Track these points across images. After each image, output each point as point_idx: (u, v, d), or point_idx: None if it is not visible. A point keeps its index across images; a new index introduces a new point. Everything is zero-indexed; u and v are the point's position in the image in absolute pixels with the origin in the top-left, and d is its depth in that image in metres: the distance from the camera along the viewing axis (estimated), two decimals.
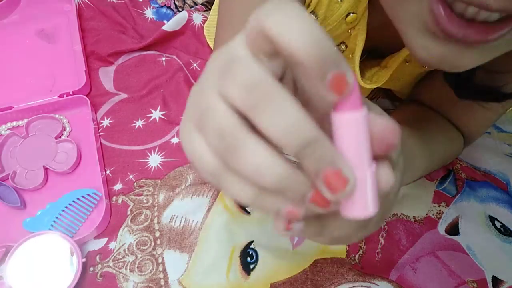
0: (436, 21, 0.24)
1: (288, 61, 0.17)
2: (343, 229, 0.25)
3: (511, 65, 0.38)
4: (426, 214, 0.51)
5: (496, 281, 0.47)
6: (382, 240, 0.49)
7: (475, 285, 0.47)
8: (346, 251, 0.48)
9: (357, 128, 0.18)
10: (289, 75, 0.20)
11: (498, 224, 0.51)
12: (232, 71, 0.17)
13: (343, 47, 0.44)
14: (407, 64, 0.46)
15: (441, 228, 0.50)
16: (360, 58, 0.42)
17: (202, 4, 0.68)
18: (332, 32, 0.42)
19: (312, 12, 0.40)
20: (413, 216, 0.51)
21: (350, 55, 0.44)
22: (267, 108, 0.16)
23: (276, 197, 0.18)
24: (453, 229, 0.51)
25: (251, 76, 0.16)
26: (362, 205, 0.19)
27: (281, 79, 0.19)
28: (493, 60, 0.26)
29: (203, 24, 0.64)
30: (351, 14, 0.39)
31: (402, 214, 0.51)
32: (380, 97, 0.60)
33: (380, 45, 0.44)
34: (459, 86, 0.40)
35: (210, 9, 0.67)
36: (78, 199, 0.48)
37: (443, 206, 0.52)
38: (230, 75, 0.17)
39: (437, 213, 0.51)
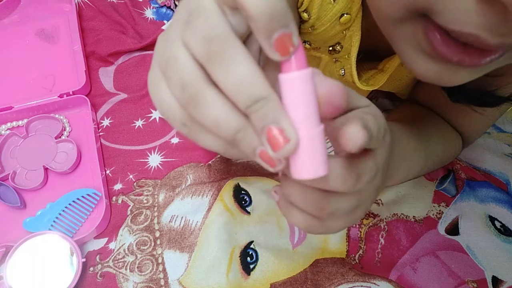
0: (431, 46, 0.24)
1: (244, 16, 0.17)
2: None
3: (502, 69, 0.38)
4: (426, 214, 0.51)
5: (496, 281, 0.47)
6: (382, 240, 0.49)
7: (475, 285, 0.47)
8: (346, 251, 0.48)
9: (302, 88, 0.18)
10: None
11: (498, 224, 0.51)
12: (194, 21, 0.17)
13: (338, 47, 0.44)
14: (404, 66, 0.46)
15: (441, 228, 0.50)
16: (357, 58, 0.42)
17: None
18: (327, 33, 0.42)
19: (305, 11, 0.40)
20: (413, 216, 0.51)
21: (346, 56, 0.44)
22: (221, 62, 0.17)
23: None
24: (453, 229, 0.51)
25: (210, 28, 0.17)
26: (310, 166, 0.19)
27: (249, 35, 0.20)
28: None
29: None
30: (345, 15, 0.39)
31: (402, 214, 0.51)
32: (380, 97, 0.60)
33: (376, 47, 0.44)
34: (452, 90, 0.40)
35: None
36: (78, 199, 0.48)
37: (443, 206, 0.52)
38: (192, 25, 0.17)
39: (437, 213, 0.51)
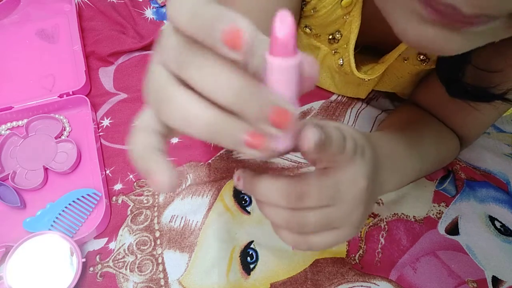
0: (424, 2, 0.24)
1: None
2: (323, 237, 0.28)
3: (500, 64, 0.38)
4: (426, 214, 0.51)
5: (496, 281, 0.47)
6: (382, 240, 0.49)
7: (475, 285, 0.47)
8: (346, 251, 0.48)
9: (290, 74, 0.19)
10: None
11: (498, 224, 0.51)
12: (163, 41, 0.19)
13: (338, 35, 0.44)
14: (405, 62, 0.46)
15: (441, 228, 0.50)
16: (356, 50, 0.43)
17: None
18: (328, 16, 0.42)
19: None
20: (413, 216, 0.51)
21: (345, 45, 0.44)
22: (194, 65, 0.17)
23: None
24: (453, 229, 0.51)
25: (176, 40, 0.18)
26: (283, 139, 0.21)
27: None
28: (483, 57, 0.26)
29: None
30: None
31: (402, 213, 0.51)
32: (380, 97, 0.60)
33: (376, 42, 0.44)
34: (451, 83, 0.40)
35: None
36: (78, 199, 0.48)
37: (443, 206, 0.52)
38: (162, 44, 0.19)
39: (437, 213, 0.51)
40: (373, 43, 0.45)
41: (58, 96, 0.55)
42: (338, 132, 0.26)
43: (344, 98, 0.59)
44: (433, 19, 0.24)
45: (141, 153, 0.20)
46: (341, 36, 0.44)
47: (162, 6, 0.68)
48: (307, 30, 0.46)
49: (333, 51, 0.47)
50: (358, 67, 0.44)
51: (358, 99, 0.59)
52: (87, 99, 0.54)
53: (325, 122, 0.26)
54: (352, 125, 0.57)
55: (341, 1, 0.40)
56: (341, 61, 0.47)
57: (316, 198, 0.27)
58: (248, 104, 0.18)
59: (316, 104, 0.58)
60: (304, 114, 0.57)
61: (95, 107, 0.56)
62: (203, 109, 0.18)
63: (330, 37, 0.45)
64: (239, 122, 0.18)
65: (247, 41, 0.16)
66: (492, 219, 0.51)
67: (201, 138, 0.18)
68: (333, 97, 0.59)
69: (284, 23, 0.18)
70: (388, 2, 0.27)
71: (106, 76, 0.60)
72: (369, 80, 0.47)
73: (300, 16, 0.44)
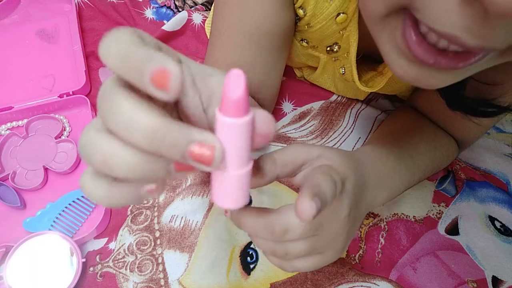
0: (407, 46, 0.24)
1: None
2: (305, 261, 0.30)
3: (499, 77, 0.38)
4: (426, 214, 0.51)
5: (496, 281, 0.47)
6: (382, 240, 0.49)
7: (475, 285, 0.47)
8: (346, 251, 0.48)
9: (239, 133, 0.19)
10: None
11: (498, 224, 0.51)
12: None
13: (336, 47, 0.44)
14: None
15: (441, 228, 0.51)
16: (357, 58, 0.42)
17: (202, 4, 0.68)
18: (323, 31, 0.42)
19: (301, 7, 0.40)
20: (413, 216, 0.51)
21: (345, 54, 0.44)
22: (107, 111, 0.17)
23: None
24: (453, 229, 0.51)
25: (102, 89, 0.18)
26: (232, 198, 0.21)
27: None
28: (483, 71, 0.26)
29: (203, 24, 0.64)
30: (341, 15, 0.39)
31: (402, 213, 0.51)
32: (380, 98, 0.60)
33: (373, 52, 0.44)
34: (451, 98, 0.40)
35: (210, 9, 0.67)
36: (78, 199, 0.48)
37: (442, 206, 0.52)
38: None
39: (437, 213, 0.51)
40: (372, 53, 0.45)
41: (58, 96, 0.55)
42: (331, 184, 0.27)
43: (344, 99, 0.59)
44: (416, 60, 0.24)
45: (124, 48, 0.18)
46: (339, 48, 0.44)
47: (162, 6, 0.68)
48: (304, 43, 0.46)
49: (333, 59, 0.47)
50: (358, 75, 0.44)
51: (358, 99, 0.59)
52: (87, 99, 0.54)
53: (317, 176, 0.27)
54: (352, 125, 0.57)
55: (335, 18, 0.40)
56: (343, 70, 0.47)
57: (299, 233, 0.28)
58: (165, 147, 0.17)
59: (316, 105, 0.58)
60: (304, 114, 0.58)
61: (95, 107, 0.56)
62: (147, 114, 0.17)
63: (328, 48, 0.45)
64: (185, 131, 0.18)
65: (174, 80, 0.16)
66: (492, 219, 0.52)
67: (144, 148, 0.18)
68: (333, 98, 0.59)
69: (236, 84, 0.18)
70: (378, 34, 0.27)
71: (106, 76, 0.60)
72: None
73: (295, 30, 0.44)
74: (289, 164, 0.29)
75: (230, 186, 0.20)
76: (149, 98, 0.18)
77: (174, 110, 0.21)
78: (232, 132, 0.19)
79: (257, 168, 0.27)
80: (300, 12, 0.40)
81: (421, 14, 0.22)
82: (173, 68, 0.16)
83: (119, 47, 0.17)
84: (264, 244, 0.30)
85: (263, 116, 0.20)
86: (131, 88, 0.18)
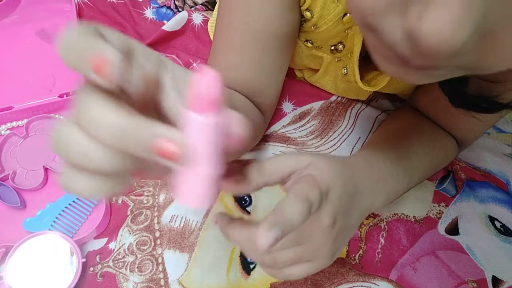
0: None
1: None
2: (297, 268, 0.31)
3: (504, 73, 0.38)
4: (426, 214, 0.51)
5: (496, 281, 0.47)
6: (382, 240, 0.49)
7: (475, 285, 0.47)
8: (346, 251, 0.48)
9: (207, 131, 0.19)
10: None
11: (498, 224, 0.51)
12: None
13: (340, 47, 0.44)
14: None
15: (441, 228, 0.51)
16: (359, 57, 0.42)
17: (202, 4, 0.68)
18: (329, 31, 0.42)
19: (308, 10, 0.40)
20: (413, 216, 0.51)
21: (349, 55, 0.44)
22: (79, 109, 0.18)
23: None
24: (453, 229, 0.51)
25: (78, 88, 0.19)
26: (198, 197, 0.21)
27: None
28: None
29: (203, 24, 0.64)
30: (348, 15, 0.39)
31: (402, 213, 0.51)
32: (380, 98, 0.60)
33: None
34: (453, 94, 0.40)
35: (210, 9, 0.67)
36: (78, 199, 0.48)
37: (442, 206, 0.52)
38: None
39: (437, 213, 0.52)
40: None
41: (58, 96, 0.55)
42: (301, 206, 0.27)
43: (344, 99, 0.59)
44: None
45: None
46: (343, 47, 0.44)
47: (162, 6, 0.68)
48: (309, 44, 0.46)
49: (336, 59, 0.47)
50: (361, 74, 0.44)
51: (358, 100, 0.59)
52: None
53: (300, 187, 0.28)
54: (352, 125, 0.57)
55: (342, 18, 0.40)
56: (345, 70, 0.47)
57: (279, 244, 0.30)
58: (131, 144, 0.18)
59: (316, 105, 0.58)
60: (304, 114, 0.58)
61: None
62: (113, 116, 0.18)
63: (332, 48, 0.45)
64: (150, 127, 0.18)
65: (112, 67, 0.17)
66: (492, 219, 0.52)
67: (113, 145, 0.18)
68: (333, 98, 0.59)
69: (211, 84, 0.18)
70: (366, 41, 0.27)
71: None
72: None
73: (299, 31, 0.44)
74: (277, 173, 0.30)
75: (196, 184, 0.20)
76: (119, 99, 0.18)
77: (155, 112, 0.22)
78: (200, 129, 0.19)
79: (243, 175, 0.28)
80: (307, 14, 0.40)
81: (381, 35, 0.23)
82: (111, 55, 0.17)
83: (68, 39, 0.18)
84: (252, 255, 0.31)
85: (235, 118, 0.20)
86: (102, 89, 0.18)
